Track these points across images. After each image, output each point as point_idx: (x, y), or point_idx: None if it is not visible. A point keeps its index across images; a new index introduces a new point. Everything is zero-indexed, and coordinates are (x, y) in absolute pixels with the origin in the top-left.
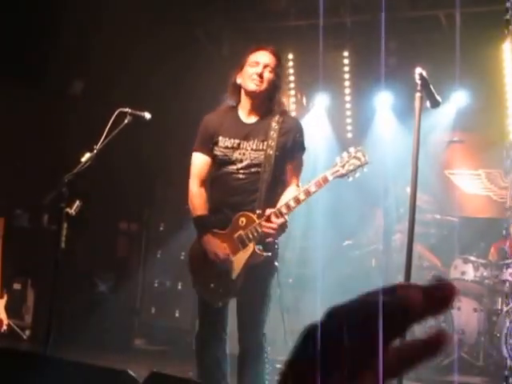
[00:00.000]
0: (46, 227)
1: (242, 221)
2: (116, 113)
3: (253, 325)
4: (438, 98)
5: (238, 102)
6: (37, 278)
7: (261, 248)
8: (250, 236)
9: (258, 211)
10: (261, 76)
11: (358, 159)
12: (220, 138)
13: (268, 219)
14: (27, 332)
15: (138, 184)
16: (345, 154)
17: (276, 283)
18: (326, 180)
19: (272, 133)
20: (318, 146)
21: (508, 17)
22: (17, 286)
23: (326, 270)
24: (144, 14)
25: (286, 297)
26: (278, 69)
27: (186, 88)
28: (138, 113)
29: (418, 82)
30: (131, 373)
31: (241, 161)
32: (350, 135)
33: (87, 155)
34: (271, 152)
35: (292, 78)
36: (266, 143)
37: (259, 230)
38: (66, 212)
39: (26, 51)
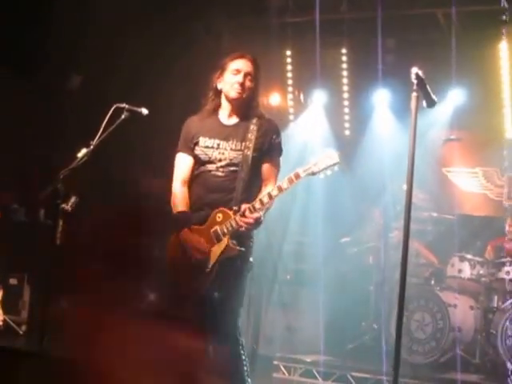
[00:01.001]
0: (43, 222)
1: (219, 216)
2: (113, 108)
3: (226, 318)
4: (434, 97)
5: (219, 105)
6: (33, 274)
7: (235, 242)
8: (225, 230)
9: (234, 208)
10: (242, 85)
11: (330, 158)
12: (201, 139)
13: (243, 214)
14: (23, 327)
15: (137, 181)
16: (318, 154)
17: (273, 280)
18: (297, 176)
19: (250, 135)
20: (315, 143)
21: (504, 17)
22: (13, 281)
23: (324, 267)
24: (143, 9)
25: (284, 293)
26: (257, 76)
27: (185, 83)
28: (135, 108)
29: (415, 81)
30: None
31: (220, 160)
32: (347, 132)
33: (83, 151)
34: (249, 153)
35: (290, 74)
36: (244, 144)
37: (234, 225)
38: (61, 208)
39: (24, 46)
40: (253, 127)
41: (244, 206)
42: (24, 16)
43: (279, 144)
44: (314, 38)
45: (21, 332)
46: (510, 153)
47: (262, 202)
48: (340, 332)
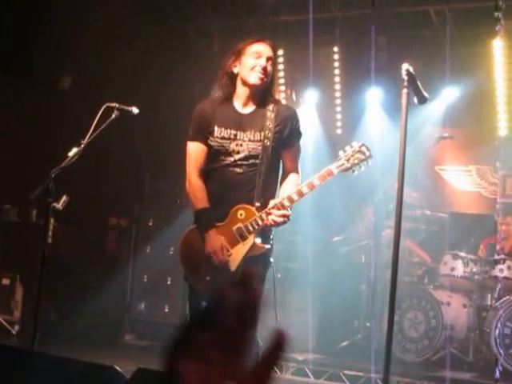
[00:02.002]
0: (35, 222)
1: (241, 213)
2: (103, 107)
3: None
4: (425, 94)
5: (233, 91)
6: (26, 273)
7: (260, 240)
8: (250, 228)
9: (256, 204)
10: (265, 69)
11: (363, 153)
12: (215, 128)
13: (270, 212)
14: (16, 327)
15: (128, 180)
16: (348, 148)
17: (268, 278)
18: (330, 173)
19: (268, 123)
20: (307, 142)
21: (498, 14)
22: (5, 281)
23: (315, 266)
24: (134, 10)
25: (276, 292)
26: (275, 62)
27: (177, 83)
28: (126, 107)
29: (405, 78)
30: (118, 368)
31: (238, 152)
32: (339, 131)
33: (74, 150)
34: (268, 143)
35: (282, 73)
36: (262, 134)
37: (260, 223)
38: (52, 207)
39: (15, 45)
40: (270, 114)
41: (272, 202)
42: (18, 16)
43: (298, 128)
44: (305, 37)
45: (13, 332)
46: (503, 150)
47: (291, 199)
48: (332, 330)
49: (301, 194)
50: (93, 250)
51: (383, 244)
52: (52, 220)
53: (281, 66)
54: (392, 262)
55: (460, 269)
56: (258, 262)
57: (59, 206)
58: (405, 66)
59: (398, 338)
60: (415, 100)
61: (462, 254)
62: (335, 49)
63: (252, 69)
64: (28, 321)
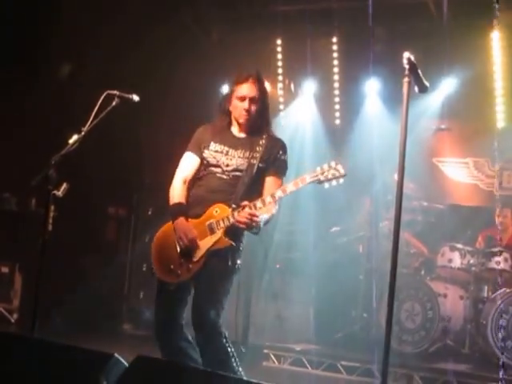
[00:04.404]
0: (35, 211)
1: (217, 211)
2: (104, 95)
3: (206, 306)
4: (426, 82)
5: (231, 122)
6: (24, 262)
7: (227, 238)
8: (221, 224)
9: (233, 205)
10: (248, 111)
11: (337, 171)
12: (212, 143)
13: (242, 210)
14: (15, 316)
15: (128, 168)
16: (325, 165)
17: (263, 269)
18: (303, 181)
19: (258, 148)
20: (305, 133)
21: (497, 6)
22: (4, 270)
23: (314, 256)
24: (133, 1)
25: (274, 282)
26: (263, 96)
27: (177, 74)
28: (126, 95)
29: (406, 66)
30: (118, 356)
31: (227, 165)
32: (338, 122)
33: (75, 137)
34: (254, 161)
35: (280, 63)
36: (251, 154)
37: (231, 220)
38: (52, 194)
39: (15, 35)
40: (261, 142)
41: (245, 203)
42: (12, 5)
43: (285, 162)
44: (304, 27)
45: (12, 320)
46: (501, 143)
47: (263, 201)
48: (330, 321)
49: (274, 198)
50: (92, 238)
51: (381, 235)
52: (52, 208)
53: (279, 56)
54: (392, 253)
55: (457, 260)
56: (218, 256)
57: (59, 193)
58: (406, 55)
59: (394, 330)
60: (416, 89)
61: (459, 245)
62: (334, 39)
63: (239, 111)
64: (27, 309)
